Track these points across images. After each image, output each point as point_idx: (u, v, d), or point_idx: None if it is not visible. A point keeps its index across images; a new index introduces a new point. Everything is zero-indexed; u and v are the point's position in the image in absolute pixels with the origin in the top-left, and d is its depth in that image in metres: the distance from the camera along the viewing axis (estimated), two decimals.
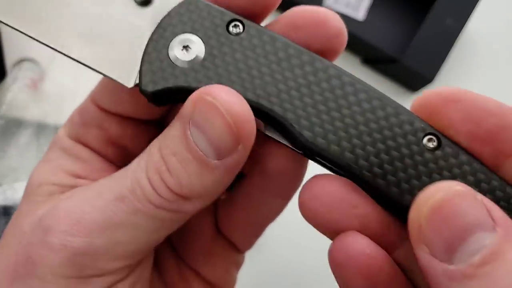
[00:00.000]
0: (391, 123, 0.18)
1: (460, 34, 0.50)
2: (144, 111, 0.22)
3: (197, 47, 0.19)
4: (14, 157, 0.47)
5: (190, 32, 0.19)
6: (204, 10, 0.19)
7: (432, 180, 0.17)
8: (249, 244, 0.25)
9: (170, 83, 0.18)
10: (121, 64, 0.19)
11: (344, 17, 0.57)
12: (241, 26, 0.19)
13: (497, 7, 0.56)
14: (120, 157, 0.23)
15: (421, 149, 0.17)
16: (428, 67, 0.50)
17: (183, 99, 0.20)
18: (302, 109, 0.18)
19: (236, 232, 0.25)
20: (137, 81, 0.19)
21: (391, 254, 0.18)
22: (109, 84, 0.21)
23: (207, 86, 0.17)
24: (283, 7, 0.21)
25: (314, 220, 0.18)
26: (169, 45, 0.19)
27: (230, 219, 0.24)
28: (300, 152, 0.19)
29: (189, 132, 0.17)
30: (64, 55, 0.19)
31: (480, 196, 0.15)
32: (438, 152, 0.17)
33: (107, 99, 0.22)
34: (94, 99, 0.22)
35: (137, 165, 0.19)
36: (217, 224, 0.25)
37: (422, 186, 0.17)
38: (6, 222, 0.31)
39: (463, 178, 0.17)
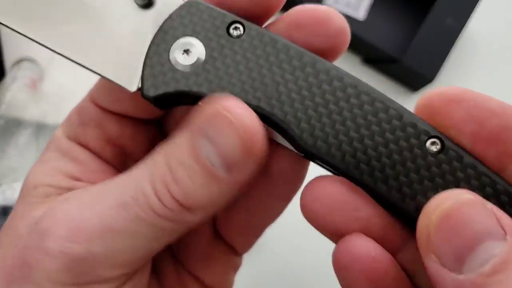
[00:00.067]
0: (394, 126, 0.17)
1: (460, 34, 0.50)
2: (143, 110, 0.22)
3: (198, 50, 0.19)
4: (14, 157, 0.47)
5: (191, 35, 0.19)
6: (205, 12, 0.19)
7: (435, 185, 0.17)
8: (248, 246, 0.25)
9: (171, 88, 0.18)
10: (124, 68, 0.19)
11: (344, 17, 0.57)
12: (241, 28, 0.19)
13: (497, 7, 0.56)
14: (118, 158, 0.23)
15: (424, 153, 0.17)
16: (428, 67, 0.50)
17: (186, 103, 0.19)
18: (303, 111, 0.18)
19: (235, 234, 0.25)
20: (140, 85, 0.19)
21: (394, 256, 0.17)
22: (108, 82, 0.21)
23: (220, 98, 0.17)
24: (284, 7, 0.21)
25: (315, 222, 0.18)
26: (170, 48, 0.19)
27: (229, 221, 0.24)
28: (301, 154, 0.19)
29: (198, 143, 0.17)
30: (66, 58, 0.19)
31: (489, 204, 0.15)
32: (442, 156, 0.17)
33: (107, 97, 0.21)
34: (93, 97, 0.22)
35: (140, 172, 0.19)
36: (215, 227, 0.25)
37: (425, 190, 0.17)
38: None
39: (467, 182, 0.17)
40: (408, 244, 0.18)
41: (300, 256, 0.48)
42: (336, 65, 0.19)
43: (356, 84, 0.18)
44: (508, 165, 0.17)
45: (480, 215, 0.14)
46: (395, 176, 0.17)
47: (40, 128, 0.49)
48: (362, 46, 0.53)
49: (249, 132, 0.17)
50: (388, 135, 0.17)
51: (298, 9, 0.19)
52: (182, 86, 0.18)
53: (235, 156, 0.17)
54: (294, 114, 0.18)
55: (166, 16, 0.19)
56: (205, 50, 0.19)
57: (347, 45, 0.19)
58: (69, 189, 0.20)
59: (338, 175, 0.18)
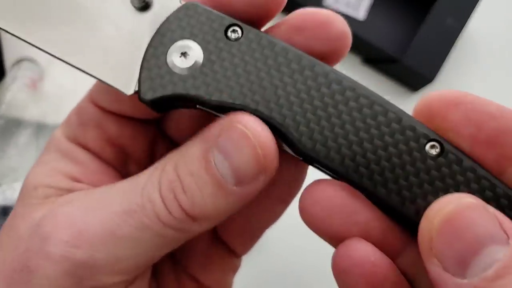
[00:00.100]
0: (393, 129, 0.17)
1: (460, 34, 0.50)
2: (143, 110, 0.22)
3: (196, 53, 0.18)
4: (14, 157, 0.47)
5: (189, 38, 0.19)
6: (203, 15, 0.19)
7: (434, 188, 0.17)
8: (247, 248, 0.25)
9: (169, 91, 0.18)
10: (120, 71, 0.19)
11: (345, 17, 0.57)
12: (239, 31, 0.19)
13: (497, 7, 0.56)
14: (118, 158, 0.23)
15: (423, 156, 0.17)
16: (428, 67, 0.50)
17: (183, 106, 0.19)
18: (302, 115, 0.18)
19: (234, 236, 0.25)
20: (137, 88, 0.19)
21: (393, 260, 0.17)
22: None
23: (237, 114, 0.18)
24: (285, 8, 0.21)
25: (314, 225, 0.18)
26: (167, 51, 0.19)
27: (229, 223, 0.24)
28: (300, 158, 0.19)
29: (211, 154, 0.17)
30: (62, 60, 0.19)
31: (491, 208, 0.15)
32: (441, 159, 0.17)
33: (106, 98, 0.21)
34: (92, 98, 0.22)
35: (147, 179, 0.18)
36: (215, 229, 0.25)
37: (425, 194, 0.17)
38: None
39: (466, 186, 0.17)
40: (408, 248, 0.18)
41: (300, 256, 0.48)
42: (336, 65, 0.19)
43: (355, 87, 0.18)
44: (507, 168, 0.17)
45: (482, 219, 0.14)
46: (395, 180, 0.17)
47: (40, 128, 0.49)
48: (362, 46, 0.53)
49: (264, 149, 0.17)
50: (387, 138, 0.17)
51: (299, 13, 0.19)
52: (179, 89, 0.18)
53: (248, 171, 0.17)
54: (293, 118, 0.18)
55: (163, 18, 0.19)
56: (203, 53, 0.18)
57: (348, 49, 0.19)
58: (69, 190, 0.20)
59: (337, 178, 0.18)
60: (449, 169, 0.17)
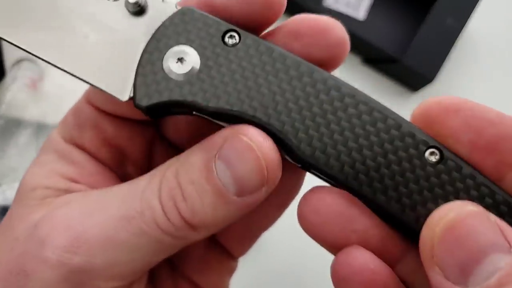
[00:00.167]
0: (392, 136, 0.17)
1: (460, 34, 0.50)
2: (140, 112, 0.22)
3: (192, 59, 0.18)
4: (14, 157, 0.47)
5: (185, 44, 0.18)
6: (199, 20, 0.19)
7: (434, 195, 0.17)
8: (244, 250, 0.25)
9: (165, 97, 0.18)
10: (115, 77, 0.19)
11: (345, 17, 0.57)
12: (237, 37, 0.18)
13: (497, 7, 0.56)
14: (115, 159, 0.22)
15: (423, 163, 0.17)
16: (428, 67, 0.50)
17: (179, 113, 0.19)
18: (301, 122, 0.18)
19: (231, 239, 0.25)
20: (132, 94, 0.18)
21: (393, 268, 0.17)
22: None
23: (242, 126, 0.17)
24: (286, 8, 0.21)
25: (313, 233, 0.18)
26: (163, 57, 0.18)
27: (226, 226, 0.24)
28: (299, 165, 0.18)
29: (213, 164, 0.17)
30: (57, 67, 0.19)
31: (493, 216, 0.15)
32: (441, 166, 0.17)
33: (103, 98, 0.21)
34: (89, 98, 0.22)
35: (147, 184, 0.18)
36: None
37: (424, 201, 0.17)
38: None
39: (466, 193, 0.17)
40: (407, 256, 0.18)
41: (297, 257, 0.48)
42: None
43: (354, 94, 0.18)
44: (507, 175, 0.17)
45: (484, 226, 0.14)
46: (394, 187, 0.17)
47: (40, 128, 0.49)
48: (362, 46, 0.53)
49: (268, 161, 0.17)
50: (386, 145, 0.17)
51: (298, 18, 0.19)
52: (176, 96, 0.18)
53: (250, 182, 0.17)
54: (292, 124, 0.18)
55: (159, 23, 0.19)
56: (200, 59, 0.18)
57: (346, 55, 0.19)
58: (67, 191, 0.20)
59: (336, 186, 0.18)
60: (449, 176, 0.17)
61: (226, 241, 0.25)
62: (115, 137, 0.22)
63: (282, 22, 0.20)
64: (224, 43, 0.18)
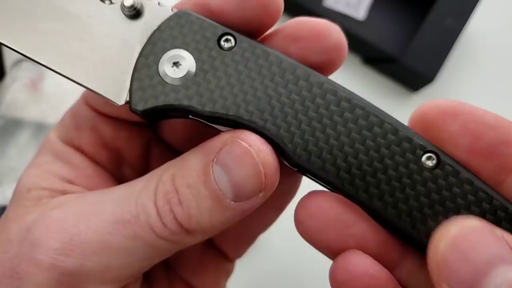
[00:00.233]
0: (389, 141, 0.17)
1: (460, 34, 0.50)
2: None
3: (188, 63, 0.18)
4: (14, 157, 0.47)
5: (181, 47, 0.18)
6: (195, 23, 0.18)
7: (431, 200, 0.17)
8: (241, 253, 0.25)
9: (161, 102, 0.18)
10: (111, 81, 0.19)
11: (345, 17, 0.57)
12: (233, 40, 0.18)
13: (497, 7, 0.56)
14: (112, 161, 0.22)
15: (419, 168, 0.17)
16: (428, 67, 0.50)
17: (175, 117, 0.19)
18: (296, 126, 0.17)
19: (227, 241, 0.25)
20: (128, 98, 0.18)
21: (391, 272, 0.17)
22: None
23: (241, 131, 0.17)
24: (285, 8, 0.21)
25: (310, 238, 0.18)
26: (159, 61, 0.18)
27: None
28: (295, 169, 0.18)
29: (211, 169, 0.17)
30: (53, 71, 0.19)
31: (498, 230, 0.15)
32: (438, 171, 0.17)
33: (100, 100, 0.21)
34: (87, 99, 0.22)
35: (142, 188, 0.18)
36: None
37: (421, 206, 0.17)
38: None
39: (463, 198, 0.17)
40: (405, 260, 0.18)
41: (295, 258, 0.48)
42: None
43: (350, 98, 0.18)
44: (506, 179, 0.17)
45: (488, 240, 0.14)
46: (391, 192, 0.17)
47: (40, 128, 0.49)
48: (362, 46, 0.53)
49: (266, 167, 0.17)
50: (383, 150, 0.17)
51: (295, 22, 0.19)
52: (171, 100, 0.18)
53: (248, 187, 0.17)
54: (287, 129, 0.17)
55: (154, 27, 0.19)
56: (195, 62, 0.18)
57: (344, 60, 0.19)
58: (63, 192, 0.20)
59: (332, 190, 0.18)
60: (446, 181, 0.17)
61: (222, 243, 0.25)
62: (112, 138, 0.22)
63: (280, 26, 0.19)
64: (220, 46, 0.18)
